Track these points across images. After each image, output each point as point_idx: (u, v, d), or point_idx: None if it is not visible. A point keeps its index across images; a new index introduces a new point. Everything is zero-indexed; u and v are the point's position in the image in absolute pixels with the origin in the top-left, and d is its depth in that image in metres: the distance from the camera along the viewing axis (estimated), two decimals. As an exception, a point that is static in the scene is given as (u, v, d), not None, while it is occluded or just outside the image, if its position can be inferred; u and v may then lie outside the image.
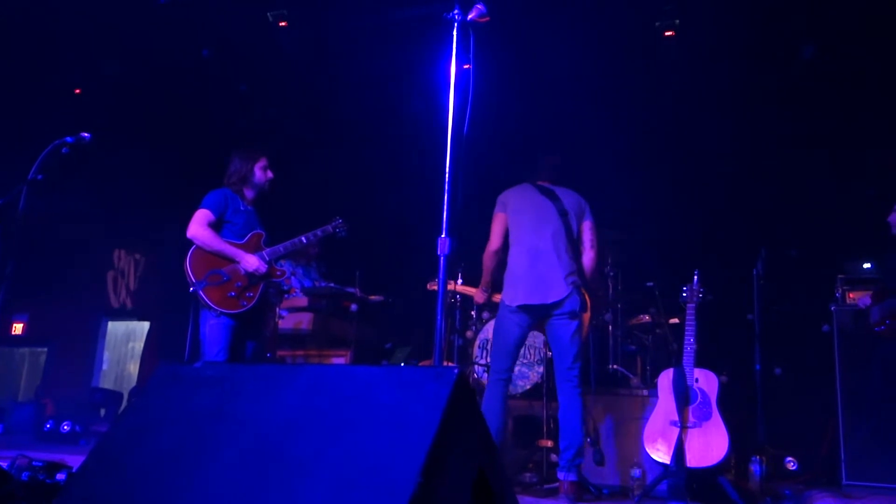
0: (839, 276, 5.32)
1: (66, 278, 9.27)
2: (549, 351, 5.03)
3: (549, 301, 4.12)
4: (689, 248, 6.00)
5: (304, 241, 4.44)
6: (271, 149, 4.48)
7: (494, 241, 4.35)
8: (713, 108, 6.34)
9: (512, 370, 4.28)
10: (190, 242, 4.09)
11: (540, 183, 4.44)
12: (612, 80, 6.47)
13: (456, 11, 2.78)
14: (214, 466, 1.63)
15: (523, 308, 4.16)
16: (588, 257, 4.34)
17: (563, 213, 4.30)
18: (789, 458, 5.16)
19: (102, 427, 6.94)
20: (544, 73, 6.55)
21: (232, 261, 4.09)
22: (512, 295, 4.20)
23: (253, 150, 4.40)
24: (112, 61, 6.75)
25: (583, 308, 4.22)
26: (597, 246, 4.38)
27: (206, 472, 1.64)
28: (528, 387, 5.40)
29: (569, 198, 4.38)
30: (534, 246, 4.22)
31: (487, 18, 2.79)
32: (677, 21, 5.84)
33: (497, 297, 4.77)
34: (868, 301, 4.75)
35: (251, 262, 4.10)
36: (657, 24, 5.89)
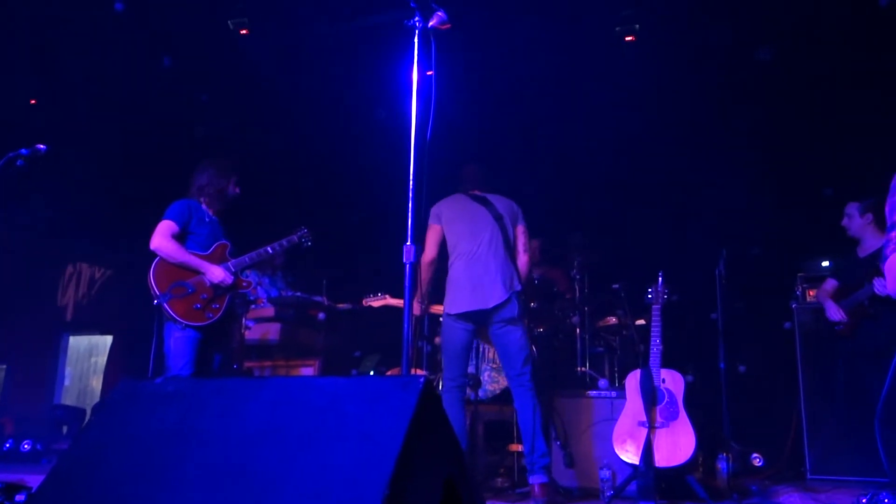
0: (799, 274, 5.43)
1: (24, 293, 9.04)
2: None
3: (489, 306, 4.15)
4: (653, 250, 6.07)
5: (270, 251, 4.40)
6: (235, 159, 4.46)
7: (429, 252, 4.37)
8: (674, 111, 6.42)
9: (465, 375, 4.31)
10: (153, 254, 4.02)
11: (472, 192, 4.50)
12: (574, 84, 6.52)
13: (417, 19, 2.78)
14: (179, 484, 1.60)
15: (464, 316, 4.19)
16: (522, 261, 4.40)
17: (497, 218, 4.36)
18: (755, 455, 5.24)
19: (65, 445, 6.78)
20: (506, 79, 6.58)
21: (197, 272, 4.04)
22: (452, 303, 4.24)
23: (228, 167, 4.37)
24: (69, 71, 6.61)
25: (523, 314, 4.26)
26: (529, 250, 4.45)
27: (170, 490, 1.61)
28: (498, 391, 5.41)
29: (501, 203, 4.44)
30: (471, 252, 4.27)
31: (449, 25, 2.80)
32: (637, 26, 5.91)
33: (436, 308, 4.79)
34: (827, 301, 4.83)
35: (216, 273, 4.05)
36: (617, 28, 5.95)
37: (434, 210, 4.45)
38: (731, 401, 4.57)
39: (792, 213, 6.18)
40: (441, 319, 4.39)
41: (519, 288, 4.25)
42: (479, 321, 4.22)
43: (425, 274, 4.41)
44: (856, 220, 4.77)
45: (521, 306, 4.24)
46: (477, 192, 4.49)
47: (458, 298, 4.21)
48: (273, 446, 1.62)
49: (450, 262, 4.35)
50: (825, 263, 5.60)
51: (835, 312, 4.70)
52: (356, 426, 1.58)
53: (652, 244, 6.29)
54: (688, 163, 6.44)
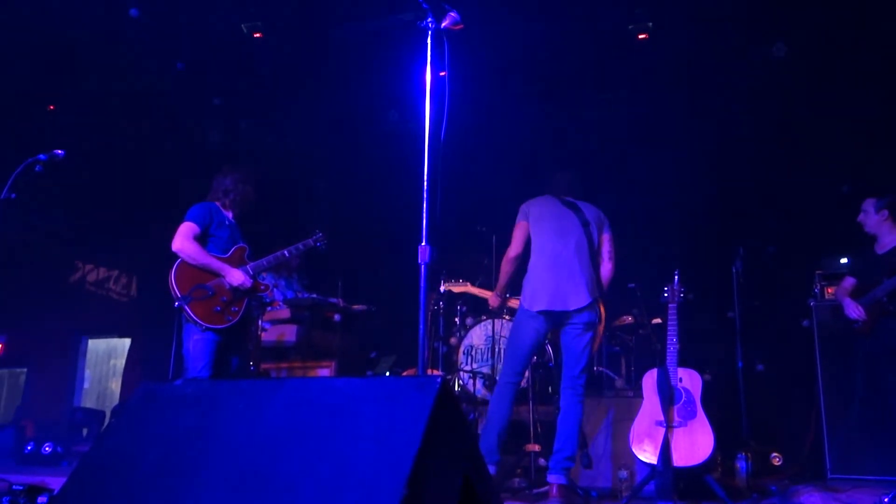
0: (817, 271, 5.38)
1: (44, 296, 9.14)
2: (536, 356, 5.06)
3: (570, 308, 4.12)
4: (668, 249, 6.04)
5: (287, 254, 4.42)
6: (252, 164, 4.50)
7: (515, 248, 4.36)
8: (689, 108, 6.39)
9: (523, 375, 4.29)
10: (172, 257, 4.05)
11: (562, 196, 4.48)
12: (588, 82, 6.50)
13: (430, 20, 2.78)
14: (197, 486, 1.62)
15: (543, 314, 4.16)
16: (606, 268, 4.38)
17: (585, 224, 4.34)
18: (774, 454, 5.19)
19: (85, 447, 6.83)
20: (519, 79, 6.58)
21: (217, 275, 4.06)
22: (532, 300, 4.19)
23: (248, 172, 4.41)
24: (86, 76, 6.68)
25: (599, 320, 4.25)
26: (615, 258, 4.42)
27: (189, 491, 1.62)
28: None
29: (589, 210, 4.43)
30: (557, 253, 4.24)
31: (461, 26, 2.80)
32: (650, 24, 5.89)
33: (513, 302, 4.77)
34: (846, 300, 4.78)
35: (236, 276, 4.08)
36: (630, 27, 5.93)
37: (523, 208, 4.44)
38: (750, 399, 4.55)
39: (809, 210, 6.13)
40: (515, 314, 4.37)
41: (599, 294, 4.24)
42: (555, 322, 4.20)
43: (509, 267, 4.41)
44: (871, 217, 4.72)
45: (599, 313, 4.23)
46: (567, 198, 4.47)
47: (539, 296, 4.17)
48: (291, 447, 1.62)
49: (532, 260, 4.32)
50: (843, 260, 5.55)
51: (853, 310, 4.64)
52: (373, 427, 1.58)
53: (667, 242, 6.26)
54: (703, 160, 6.40)
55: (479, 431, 4.38)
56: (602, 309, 4.34)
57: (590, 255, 4.28)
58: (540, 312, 4.16)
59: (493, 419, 4.10)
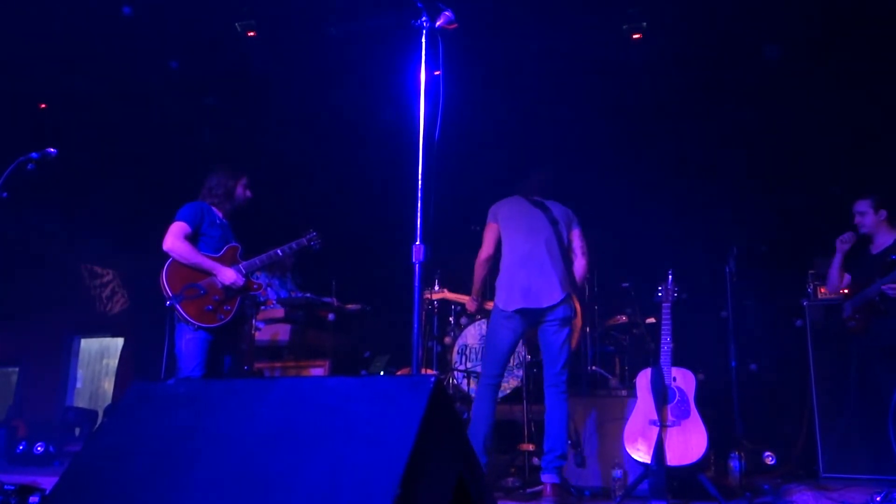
0: (810, 271, 5.40)
1: (36, 295, 9.09)
2: (529, 356, 5.06)
3: (544, 305, 4.16)
4: (662, 248, 6.05)
5: (280, 253, 4.41)
6: (246, 163, 4.48)
7: (486, 250, 4.40)
8: (683, 108, 6.40)
9: (502, 376, 4.30)
10: (164, 257, 4.04)
11: (531, 196, 4.52)
12: (582, 81, 6.50)
13: (424, 19, 2.77)
14: (190, 485, 1.61)
15: (519, 312, 4.19)
16: (580, 264, 4.42)
17: (553, 222, 4.39)
18: (767, 453, 5.21)
19: (77, 447, 6.80)
20: (514, 78, 6.57)
21: (209, 274, 4.05)
22: (506, 299, 4.22)
23: (236, 169, 4.40)
24: (78, 74, 6.64)
25: (574, 315, 4.28)
26: (587, 253, 4.45)
27: (182, 491, 1.61)
28: (509, 391, 5.41)
29: (557, 208, 4.48)
30: (527, 252, 4.28)
31: (456, 25, 2.79)
32: (644, 24, 5.90)
33: (489, 305, 4.79)
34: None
35: (228, 275, 4.06)
36: (624, 27, 5.94)
37: (492, 209, 4.48)
38: (743, 399, 4.55)
39: (802, 210, 6.15)
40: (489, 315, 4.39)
41: (573, 290, 4.27)
42: (531, 320, 4.23)
43: (481, 271, 4.46)
44: (869, 217, 4.73)
45: (573, 308, 4.26)
46: (536, 197, 4.51)
47: (513, 295, 4.20)
48: (284, 447, 1.62)
49: (504, 261, 4.35)
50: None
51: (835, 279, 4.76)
52: (367, 427, 1.58)
53: (661, 242, 6.27)
54: (697, 159, 6.42)
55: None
56: (577, 304, 4.37)
57: (560, 252, 4.32)
58: (515, 312, 4.18)
59: (478, 421, 4.12)
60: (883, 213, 4.70)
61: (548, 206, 4.47)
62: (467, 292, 4.95)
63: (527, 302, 4.16)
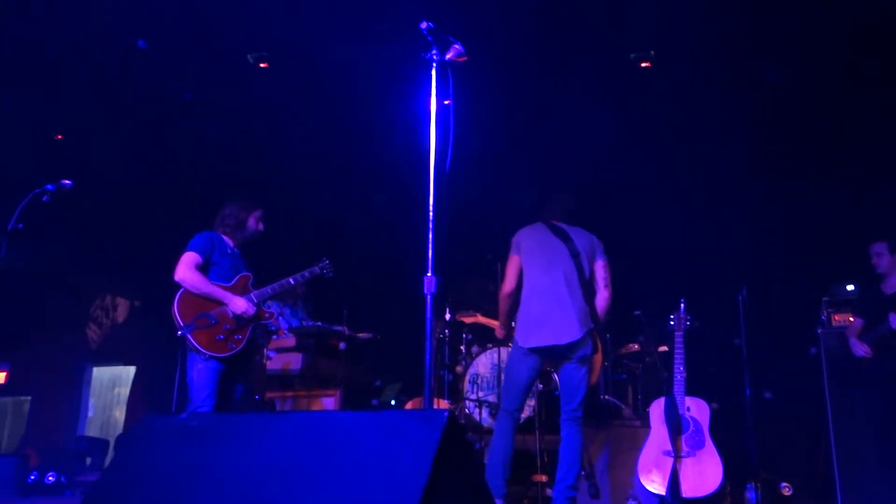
0: (824, 298, 5.36)
1: (49, 325, 9.13)
2: (542, 384, 5.02)
3: (563, 343, 4.06)
4: (674, 276, 6.02)
5: (293, 282, 4.42)
6: (259, 196, 4.50)
7: (509, 284, 4.31)
8: (695, 136, 6.41)
9: (521, 410, 4.24)
10: (176, 286, 4.06)
11: (553, 222, 4.41)
12: (592, 111, 6.53)
13: (434, 51, 2.81)
14: (202, 520, 1.60)
15: (535, 350, 4.11)
16: (602, 297, 4.28)
17: (574, 255, 4.25)
18: (784, 484, 5.12)
19: (88, 477, 6.79)
20: (524, 108, 6.62)
21: (220, 303, 4.06)
22: (524, 337, 4.15)
23: (250, 201, 4.42)
24: (94, 106, 6.74)
25: (594, 351, 4.17)
26: (611, 285, 4.32)
27: (193, 526, 1.60)
28: (521, 421, 5.35)
29: (581, 238, 4.34)
30: (546, 287, 4.18)
31: (465, 58, 2.82)
32: (652, 52, 5.93)
33: None
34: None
35: (239, 304, 4.07)
36: (632, 55, 5.97)
37: (514, 240, 4.38)
38: (758, 428, 4.50)
39: (815, 237, 6.12)
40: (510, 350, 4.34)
41: (593, 326, 4.16)
42: (548, 356, 4.15)
43: (505, 305, 4.37)
44: (885, 259, 4.90)
45: (594, 345, 4.16)
46: (558, 224, 4.39)
47: (532, 333, 4.12)
48: (293, 482, 1.61)
49: (524, 295, 4.26)
50: (850, 287, 5.52)
51: (859, 349, 4.76)
52: (378, 462, 1.57)
53: (673, 270, 6.24)
54: (709, 187, 6.41)
55: (486, 461, 4.34)
56: (598, 341, 4.25)
57: (581, 286, 4.19)
58: (532, 349, 4.11)
59: (496, 454, 4.06)
60: None
61: (570, 235, 4.32)
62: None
63: (543, 340, 4.08)
